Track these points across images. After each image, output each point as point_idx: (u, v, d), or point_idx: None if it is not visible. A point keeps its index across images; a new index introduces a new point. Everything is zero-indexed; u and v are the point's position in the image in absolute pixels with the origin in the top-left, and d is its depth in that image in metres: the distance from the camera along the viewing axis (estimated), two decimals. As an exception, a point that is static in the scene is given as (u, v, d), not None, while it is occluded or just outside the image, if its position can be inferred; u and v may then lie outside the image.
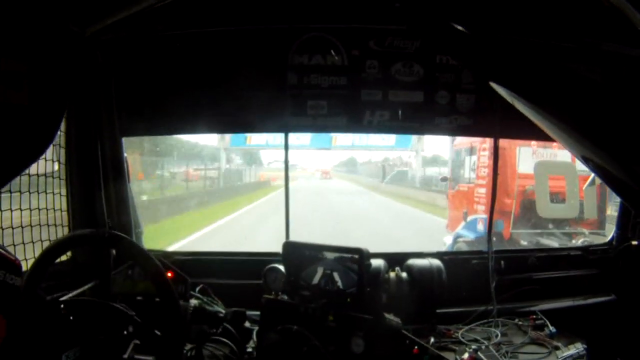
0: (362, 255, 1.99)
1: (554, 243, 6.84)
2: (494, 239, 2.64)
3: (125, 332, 1.56)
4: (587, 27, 1.81)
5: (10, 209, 1.86)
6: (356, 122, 2.63)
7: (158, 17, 2.28)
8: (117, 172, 2.44)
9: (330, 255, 2.05)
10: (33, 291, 1.43)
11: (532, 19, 1.87)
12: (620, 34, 1.68)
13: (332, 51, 2.57)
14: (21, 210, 1.93)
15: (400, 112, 2.62)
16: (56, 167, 2.18)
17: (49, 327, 1.44)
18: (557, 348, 2.08)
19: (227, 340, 2.00)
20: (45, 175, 2.08)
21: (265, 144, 22.24)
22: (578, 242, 5.94)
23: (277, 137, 12.82)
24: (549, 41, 2.00)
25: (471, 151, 8.62)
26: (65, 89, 1.01)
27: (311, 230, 8.86)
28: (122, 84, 2.43)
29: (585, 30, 1.83)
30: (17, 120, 0.96)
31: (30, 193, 1.97)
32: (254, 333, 2.03)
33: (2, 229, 1.86)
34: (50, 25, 0.95)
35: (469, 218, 8.43)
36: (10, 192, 1.81)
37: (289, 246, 2.14)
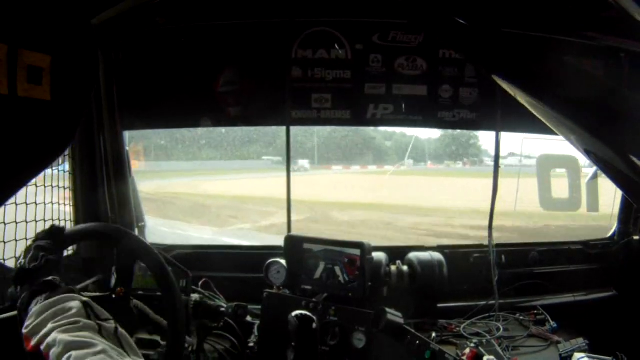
0: (364, 249, 1.99)
1: None
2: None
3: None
4: (589, 21, 1.80)
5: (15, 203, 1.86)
6: (360, 115, 2.64)
7: (160, 11, 2.27)
8: (119, 166, 2.44)
9: (331, 249, 2.05)
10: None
11: (534, 12, 1.86)
12: (621, 28, 1.67)
13: (336, 45, 2.57)
14: (23, 204, 1.93)
15: (403, 105, 2.62)
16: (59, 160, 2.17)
17: None
18: (558, 343, 2.09)
19: (228, 335, 2.01)
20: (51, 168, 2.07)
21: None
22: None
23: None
24: (550, 35, 2.00)
25: None
26: (88, 84, 1.00)
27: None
28: (123, 78, 2.43)
29: (587, 24, 1.82)
30: (40, 116, 0.94)
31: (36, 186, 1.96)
32: (256, 327, 2.04)
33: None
34: (72, 19, 0.93)
35: None
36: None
37: (291, 240, 2.14)
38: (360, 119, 2.67)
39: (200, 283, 2.07)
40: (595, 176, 2.64)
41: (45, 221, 2.05)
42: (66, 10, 0.91)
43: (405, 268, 2.25)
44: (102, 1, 1.95)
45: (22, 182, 1.06)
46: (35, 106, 0.88)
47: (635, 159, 1.36)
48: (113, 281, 1.99)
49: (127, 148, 2.54)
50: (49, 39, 0.88)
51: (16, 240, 1.88)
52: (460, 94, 2.62)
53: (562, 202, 2.72)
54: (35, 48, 0.85)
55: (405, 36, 2.57)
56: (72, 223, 2.27)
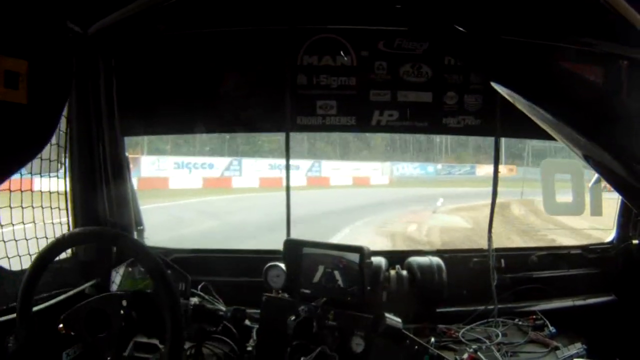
0: (363, 254, 1.99)
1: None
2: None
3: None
4: (587, 28, 1.81)
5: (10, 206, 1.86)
6: (365, 122, 2.66)
7: (160, 17, 2.28)
8: (118, 171, 2.44)
9: (331, 253, 2.04)
10: (30, 295, 1.42)
11: (532, 19, 1.88)
12: (620, 34, 1.68)
13: (341, 52, 2.59)
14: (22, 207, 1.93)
15: (408, 112, 2.64)
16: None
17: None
18: (556, 348, 2.08)
19: (227, 339, 2.00)
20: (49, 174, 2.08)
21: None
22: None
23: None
24: (549, 42, 2.01)
25: None
26: (64, 89, 1.00)
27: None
28: (123, 84, 2.43)
29: (585, 31, 1.83)
30: (15, 119, 0.95)
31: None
32: (254, 331, 2.03)
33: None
34: (49, 24, 0.94)
35: None
36: (10, 190, 1.80)
37: (290, 244, 2.14)
38: (365, 125, 2.69)
39: (199, 287, 2.06)
40: (598, 180, 2.64)
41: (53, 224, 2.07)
42: (43, 16, 0.92)
43: (404, 273, 2.25)
44: (101, 8, 1.97)
45: None
46: (11, 109, 0.89)
47: (633, 164, 1.37)
48: (113, 284, 1.99)
49: (127, 153, 2.54)
50: (26, 45, 0.89)
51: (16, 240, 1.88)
52: (465, 100, 2.63)
53: (566, 206, 2.72)
54: (12, 54, 0.87)
55: (410, 43, 2.58)
56: (71, 228, 2.27)
